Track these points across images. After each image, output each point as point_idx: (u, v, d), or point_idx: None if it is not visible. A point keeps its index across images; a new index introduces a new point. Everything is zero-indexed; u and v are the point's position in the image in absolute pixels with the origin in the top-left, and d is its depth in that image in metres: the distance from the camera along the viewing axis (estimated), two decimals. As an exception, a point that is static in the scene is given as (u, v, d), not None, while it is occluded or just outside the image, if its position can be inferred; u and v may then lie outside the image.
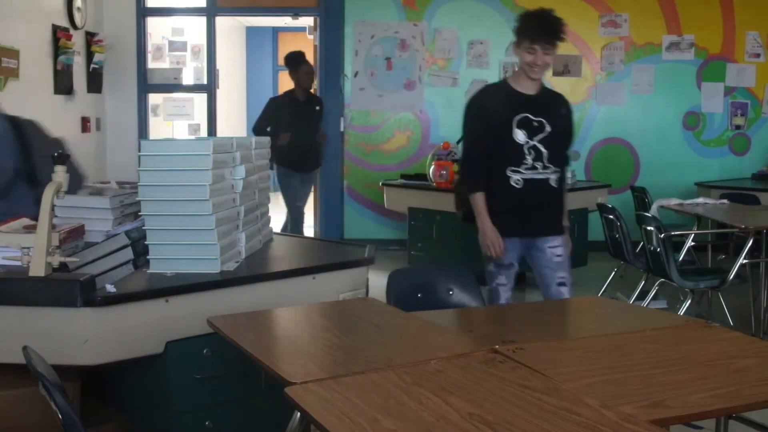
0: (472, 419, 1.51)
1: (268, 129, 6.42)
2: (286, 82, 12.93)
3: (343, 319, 2.38)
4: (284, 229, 6.65)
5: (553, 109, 3.49)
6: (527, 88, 3.43)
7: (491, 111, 3.42)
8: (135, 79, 7.39)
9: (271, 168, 6.55)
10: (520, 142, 3.36)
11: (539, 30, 3.33)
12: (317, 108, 6.72)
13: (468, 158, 3.56)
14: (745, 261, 4.51)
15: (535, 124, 3.38)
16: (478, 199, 3.42)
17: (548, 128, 3.39)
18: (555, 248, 3.47)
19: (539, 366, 1.82)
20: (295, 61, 6.58)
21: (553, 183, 3.42)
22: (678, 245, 5.07)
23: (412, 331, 2.21)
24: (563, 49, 7.83)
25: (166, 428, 2.59)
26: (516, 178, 3.37)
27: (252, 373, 2.53)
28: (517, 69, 3.52)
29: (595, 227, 6.01)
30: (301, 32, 11.50)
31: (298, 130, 6.41)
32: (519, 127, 3.36)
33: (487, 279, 3.49)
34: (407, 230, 6.82)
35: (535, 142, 3.37)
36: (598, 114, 7.88)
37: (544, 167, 3.38)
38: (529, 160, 3.36)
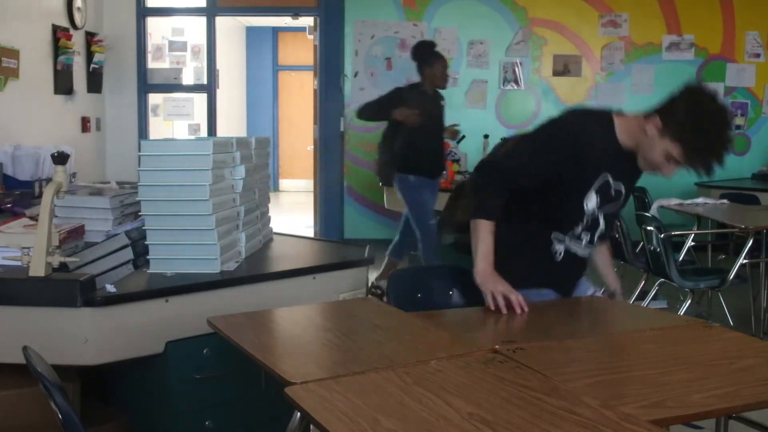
0: (472, 419, 1.51)
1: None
2: (286, 82, 13.04)
3: (343, 319, 2.38)
4: (397, 250, 5.78)
5: (632, 171, 2.52)
6: (626, 139, 2.43)
7: (579, 159, 2.39)
8: (135, 79, 7.40)
9: (389, 182, 5.69)
10: (588, 210, 2.46)
11: (712, 159, 2.25)
12: (442, 102, 5.82)
13: (504, 179, 2.47)
14: (745, 261, 4.52)
15: (613, 192, 2.48)
16: (485, 229, 2.44)
17: (622, 198, 2.53)
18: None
19: (539, 366, 1.82)
20: (429, 53, 5.67)
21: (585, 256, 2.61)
22: (678, 245, 5.08)
23: (412, 331, 2.20)
24: (563, 49, 7.91)
25: (166, 428, 2.59)
26: (558, 249, 2.52)
27: (252, 373, 2.52)
28: (633, 120, 2.42)
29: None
30: (301, 32, 11.50)
31: (430, 128, 5.60)
32: (597, 191, 2.45)
33: None
34: (407, 230, 6.81)
35: (600, 213, 2.51)
36: (598, 114, 7.88)
37: (588, 243, 2.55)
38: (579, 228, 2.50)
